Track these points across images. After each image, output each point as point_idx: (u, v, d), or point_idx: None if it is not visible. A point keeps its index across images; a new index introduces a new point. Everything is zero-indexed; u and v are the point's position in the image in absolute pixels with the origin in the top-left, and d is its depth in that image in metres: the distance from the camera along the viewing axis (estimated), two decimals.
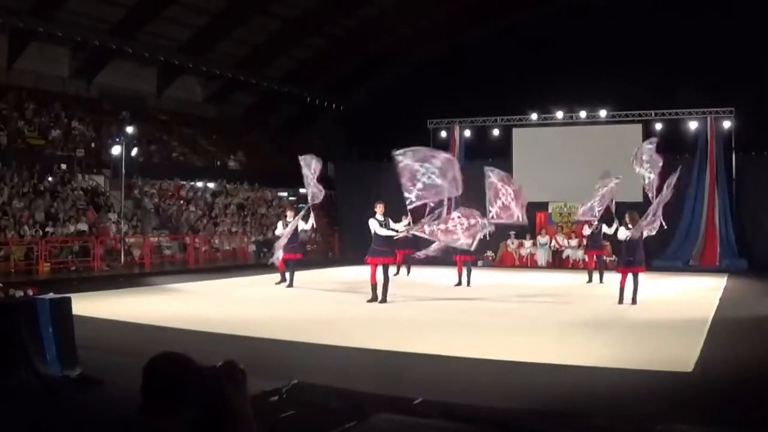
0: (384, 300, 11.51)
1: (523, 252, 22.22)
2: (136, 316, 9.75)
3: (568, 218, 22.62)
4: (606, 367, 6.51)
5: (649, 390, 5.71)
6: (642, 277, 11.75)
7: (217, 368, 1.92)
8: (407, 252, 17.29)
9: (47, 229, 17.97)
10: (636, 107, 22.36)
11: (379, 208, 11.85)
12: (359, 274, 16.43)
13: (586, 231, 15.76)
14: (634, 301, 11.34)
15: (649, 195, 12.58)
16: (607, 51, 22.44)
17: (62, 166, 21.30)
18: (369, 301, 11.62)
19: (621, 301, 11.45)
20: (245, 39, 27.22)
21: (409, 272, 17.29)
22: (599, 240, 15.47)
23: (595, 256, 15.91)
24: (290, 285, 14.12)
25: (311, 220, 14.29)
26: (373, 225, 11.74)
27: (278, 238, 14.39)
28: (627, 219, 11.75)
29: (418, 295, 12.93)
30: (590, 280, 15.53)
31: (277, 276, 14.71)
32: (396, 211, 12.19)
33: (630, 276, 11.47)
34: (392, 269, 13.98)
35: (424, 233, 11.59)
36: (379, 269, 11.67)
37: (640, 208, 12.53)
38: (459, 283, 14.64)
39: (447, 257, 15.37)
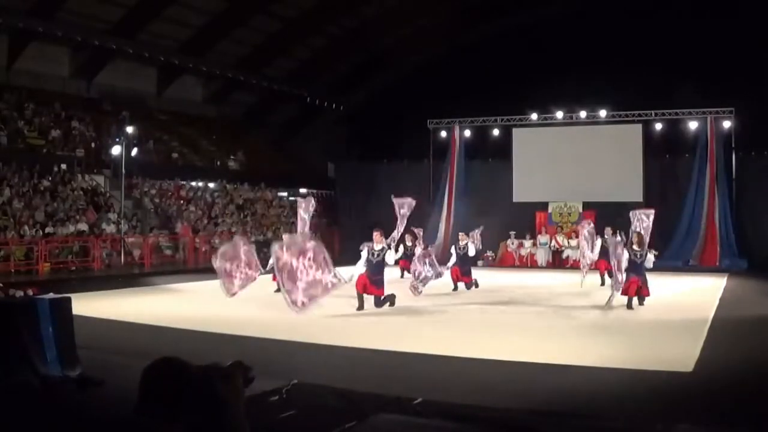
0: (392, 303, 11.16)
1: (523, 252, 22.23)
2: (136, 316, 9.76)
3: (568, 218, 22.64)
4: (606, 367, 6.51)
5: (649, 390, 5.71)
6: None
7: (209, 368, 1.92)
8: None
9: (47, 229, 17.97)
10: (636, 107, 22.37)
11: (377, 237, 11.14)
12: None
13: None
14: (641, 302, 11.26)
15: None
16: (607, 51, 22.45)
17: (62, 166, 21.30)
18: (358, 309, 10.92)
19: (630, 306, 11.31)
20: (245, 39, 27.23)
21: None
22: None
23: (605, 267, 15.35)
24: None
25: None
26: (389, 257, 11.21)
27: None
28: (634, 239, 11.62)
29: (421, 295, 12.90)
30: (603, 284, 15.23)
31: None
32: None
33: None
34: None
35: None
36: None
37: (639, 209, 12.53)
38: (455, 289, 14.38)
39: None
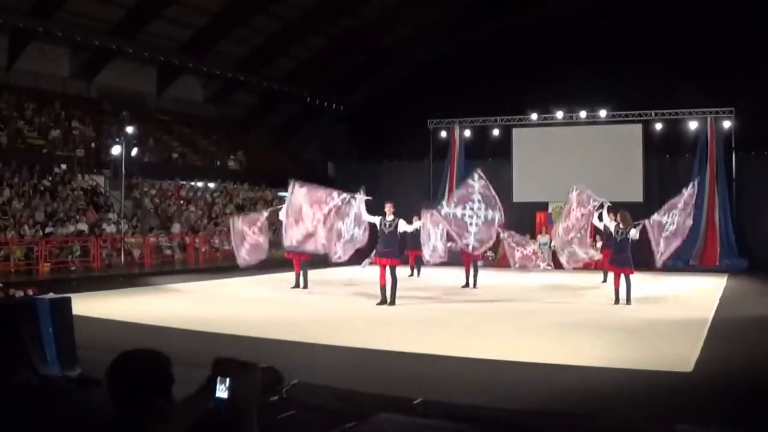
0: (393, 302, 11.32)
1: None
2: (136, 316, 9.76)
3: None
4: (606, 367, 6.51)
5: (648, 390, 5.71)
6: (641, 276, 11.79)
7: (226, 360, 1.95)
8: (418, 253, 17.27)
9: (47, 229, 17.97)
10: (636, 107, 22.35)
11: (388, 208, 11.60)
12: (359, 274, 16.43)
13: (597, 222, 15.26)
14: (628, 301, 11.40)
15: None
16: (607, 51, 22.44)
17: (62, 166, 21.30)
18: (378, 304, 11.34)
19: (617, 301, 11.49)
20: (245, 39, 27.22)
21: (419, 274, 17.25)
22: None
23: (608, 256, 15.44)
24: (305, 287, 13.92)
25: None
26: (402, 225, 11.66)
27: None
28: (618, 217, 11.82)
29: (420, 295, 12.93)
30: (605, 280, 15.37)
31: (291, 280, 14.28)
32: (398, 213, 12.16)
33: (622, 276, 11.53)
34: (402, 270, 13.86)
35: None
36: (387, 270, 11.45)
37: (639, 209, 12.58)
38: (467, 284, 14.59)
39: (455, 257, 15.29)
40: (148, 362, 1.95)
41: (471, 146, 24.68)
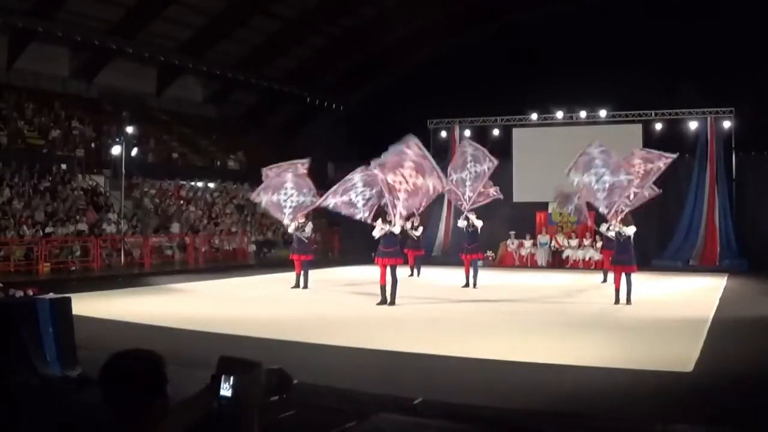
0: (393, 302, 11.37)
1: (523, 252, 22.22)
2: (136, 316, 9.76)
3: (568, 218, 22.60)
4: (606, 367, 6.51)
5: (648, 390, 5.71)
6: (641, 277, 11.81)
7: (231, 359, 1.96)
8: (418, 253, 17.31)
9: (47, 229, 17.97)
10: (636, 107, 22.34)
11: (379, 224, 11.72)
12: (359, 274, 16.44)
13: (603, 228, 15.21)
14: (628, 301, 11.43)
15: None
16: (607, 51, 22.41)
17: (62, 166, 21.30)
18: (378, 303, 11.39)
19: (617, 301, 11.52)
20: (245, 39, 27.21)
21: (419, 274, 17.26)
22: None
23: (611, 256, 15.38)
24: (305, 287, 13.92)
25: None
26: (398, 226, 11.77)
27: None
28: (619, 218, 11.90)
29: (420, 295, 12.93)
30: (605, 280, 15.34)
31: (291, 280, 14.29)
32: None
33: (623, 276, 11.56)
34: (402, 270, 13.88)
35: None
36: (388, 270, 11.54)
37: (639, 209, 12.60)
38: (467, 284, 14.59)
39: (455, 257, 15.30)
40: (141, 362, 1.94)
41: None
